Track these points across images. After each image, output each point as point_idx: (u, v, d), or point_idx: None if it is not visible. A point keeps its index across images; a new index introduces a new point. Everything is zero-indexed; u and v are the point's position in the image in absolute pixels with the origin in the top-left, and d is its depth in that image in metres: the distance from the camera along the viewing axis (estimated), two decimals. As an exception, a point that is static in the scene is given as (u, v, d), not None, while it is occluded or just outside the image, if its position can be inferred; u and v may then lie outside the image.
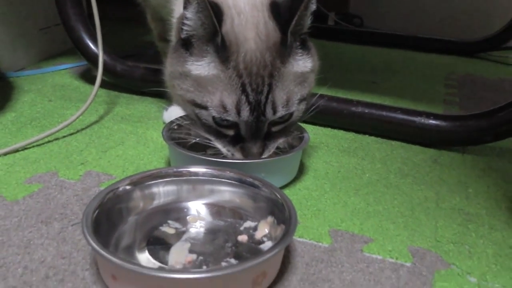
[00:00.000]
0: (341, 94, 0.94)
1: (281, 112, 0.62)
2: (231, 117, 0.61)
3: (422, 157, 0.83)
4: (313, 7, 0.62)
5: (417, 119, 0.86)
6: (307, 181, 0.72)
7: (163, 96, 1.00)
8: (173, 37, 0.72)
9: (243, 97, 0.60)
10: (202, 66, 0.62)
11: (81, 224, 0.57)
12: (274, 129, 0.65)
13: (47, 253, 0.53)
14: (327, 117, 0.91)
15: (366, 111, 0.88)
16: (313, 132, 0.90)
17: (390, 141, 0.88)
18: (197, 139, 0.75)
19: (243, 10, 0.63)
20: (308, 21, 0.64)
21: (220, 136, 0.65)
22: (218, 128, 0.64)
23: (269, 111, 0.62)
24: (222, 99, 0.61)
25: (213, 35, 0.61)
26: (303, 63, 0.64)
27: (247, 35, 0.62)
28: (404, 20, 1.88)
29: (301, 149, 0.70)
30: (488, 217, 0.65)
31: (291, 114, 0.65)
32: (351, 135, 0.90)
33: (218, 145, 0.66)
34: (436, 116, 0.85)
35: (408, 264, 0.55)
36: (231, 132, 0.64)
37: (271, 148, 0.66)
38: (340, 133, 0.91)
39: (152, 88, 0.85)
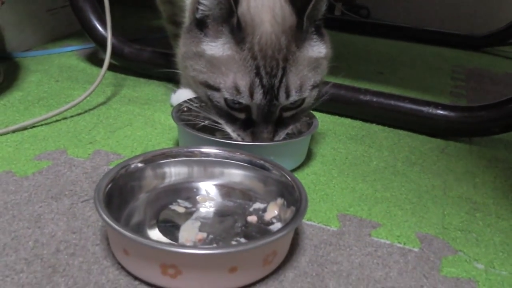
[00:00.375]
0: (347, 83, 0.93)
1: (294, 97, 0.62)
2: (244, 99, 0.61)
3: (429, 146, 0.83)
4: None
5: (425, 109, 0.86)
6: (315, 166, 0.72)
7: (170, 80, 1.00)
8: (186, 18, 0.71)
9: (257, 80, 0.60)
10: (217, 47, 0.61)
11: (92, 200, 0.57)
12: (286, 114, 0.65)
13: (57, 228, 0.53)
14: (335, 104, 0.91)
15: (374, 99, 0.88)
16: (320, 119, 0.89)
17: (397, 130, 0.88)
18: (206, 122, 0.75)
19: None
20: (324, 6, 0.63)
21: (231, 119, 0.65)
22: (230, 111, 0.64)
23: (282, 95, 0.61)
24: (235, 81, 0.60)
25: (229, 15, 0.60)
26: (317, 49, 0.64)
27: (263, 18, 0.61)
28: (411, 13, 1.87)
29: (310, 134, 0.70)
30: (495, 207, 0.65)
31: (303, 100, 0.64)
32: (358, 123, 0.90)
33: (228, 129, 0.66)
34: (444, 107, 0.85)
35: (416, 250, 0.55)
36: (242, 116, 0.64)
37: (282, 134, 0.66)
38: (347, 121, 0.91)
39: (160, 70, 0.85)
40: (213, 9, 0.61)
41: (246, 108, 0.63)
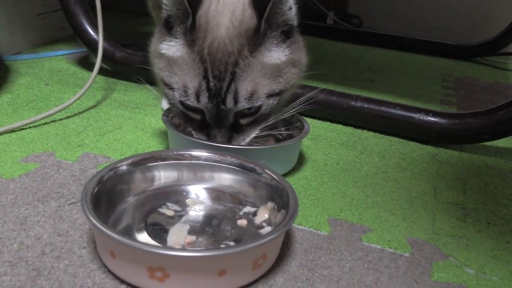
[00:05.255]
0: (338, 90, 0.94)
1: (243, 103, 0.60)
2: (191, 102, 0.60)
3: (420, 153, 0.83)
4: None
5: (416, 115, 0.86)
6: (306, 171, 0.72)
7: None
8: None
9: (204, 83, 0.59)
10: (171, 47, 0.61)
11: (79, 202, 0.57)
12: (243, 121, 0.63)
13: (43, 230, 0.52)
14: (326, 110, 0.91)
15: (366, 106, 0.88)
16: (312, 125, 0.89)
17: (388, 136, 0.88)
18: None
19: None
20: (289, 12, 0.60)
21: (188, 119, 0.64)
22: (185, 111, 0.63)
23: (230, 100, 0.59)
24: (185, 82, 0.60)
25: (186, 17, 0.60)
26: (276, 55, 0.61)
27: (221, 21, 0.60)
28: (402, 22, 1.89)
29: (301, 138, 0.69)
30: (486, 212, 0.65)
31: (259, 107, 0.61)
32: (349, 129, 0.90)
33: (189, 127, 0.65)
34: (435, 113, 0.85)
35: (406, 255, 0.55)
36: (198, 117, 0.63)
37: (240, 140, 0.64)
38: (339, 127, 0.91)
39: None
40: (172, 9, 0.60)
41: (200, 110, 0.62)
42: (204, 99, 0.60)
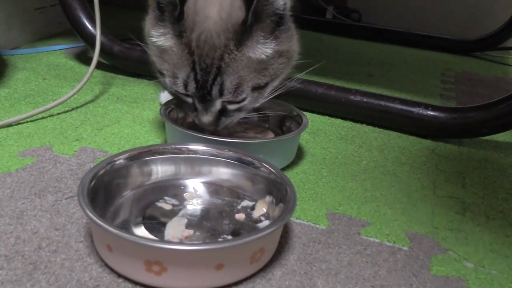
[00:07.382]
0: (338, 84, 0.93)
1: (227, 96, 0.61)
2: (180, 89, 0.62)
3: (419, 147, 0.82)
4: None
5: (415, 109, 0.85)
6: (305, 165, 0.72)
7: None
8: None
9: (192, 74, 0.61)
10: (160, 35, 0.62)
11: (76, 196, 0.56)
12: (230, 107, 0.64)
13: (40, 225, 0.52)
14: (325, 105, 0.91)
15: (365, 100, 0.88)
16: (311, 119, 0.89)
17: (387, 130, 0.88)
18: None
19: None
20: (277, 1, 0.58)
21: (182, 100, 0.66)
22: (178, 94, 0.65)
23: (215, 92, 0.61)
24: (174, 71, 0.62)
25: (173, 6, 0.59)
26: (263, 49, 0.60)
27: (209, 13, 0.60)
28: (402, 17, 1.88)
29: (300, 132, 0.69)
30: (485, 206, 0.65)
31: (244, 98, 0.63)
32: (348, 123, 0.90)
33: (184, 106, 0.68)
34: (434, 107, 0.85)
35: (405, 248, 0.55)
36: (189, 100, 0.65)
37: (228, 123, 0.66)
38: (338, 121, 0.90)
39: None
40: None
41: (190, 95, 0.64)
42: (191, 89, 0.61)
